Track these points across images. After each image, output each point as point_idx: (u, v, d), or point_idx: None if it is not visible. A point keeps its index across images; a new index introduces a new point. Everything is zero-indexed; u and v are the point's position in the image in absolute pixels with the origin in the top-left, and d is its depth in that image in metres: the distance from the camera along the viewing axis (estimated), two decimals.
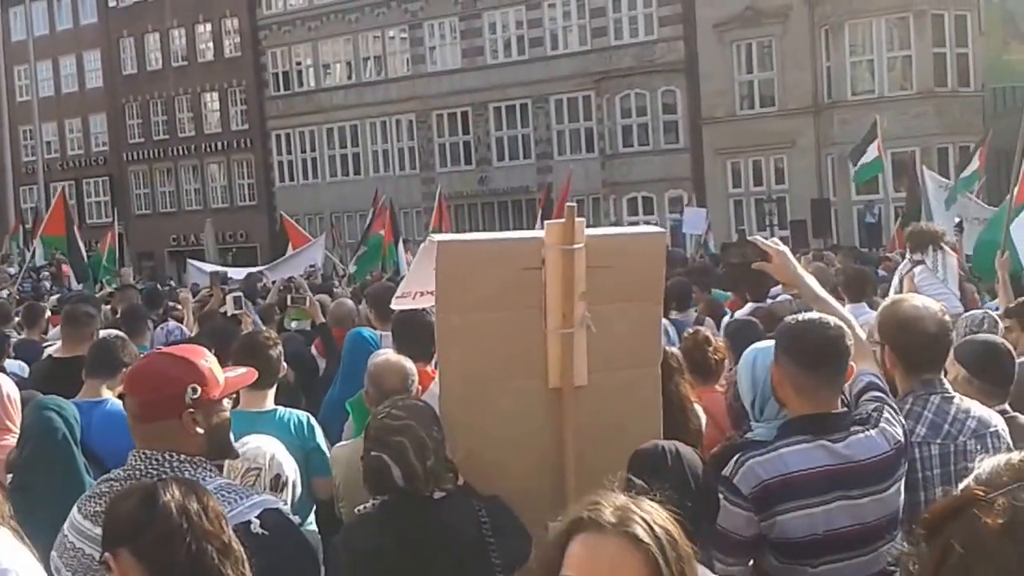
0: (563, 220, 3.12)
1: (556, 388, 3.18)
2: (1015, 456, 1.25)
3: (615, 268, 3.18)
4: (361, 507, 2.98)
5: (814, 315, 3.08)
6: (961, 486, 1.25)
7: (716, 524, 2.83)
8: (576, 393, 3.18)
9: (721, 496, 2.84)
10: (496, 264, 3.15)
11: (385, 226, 18.62)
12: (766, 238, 3.65)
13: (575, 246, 3.08)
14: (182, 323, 9.81)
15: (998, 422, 3.29)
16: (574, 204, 3.35)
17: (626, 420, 3.21)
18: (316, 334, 8.13)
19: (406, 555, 2.82)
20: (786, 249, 3.56)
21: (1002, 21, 28.49)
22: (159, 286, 18.97)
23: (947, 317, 3.38)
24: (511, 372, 3.18)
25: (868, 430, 2.87)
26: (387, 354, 4.50)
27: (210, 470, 2.61)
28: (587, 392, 3.19)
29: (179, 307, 10.91)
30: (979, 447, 3.15)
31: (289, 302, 9.23)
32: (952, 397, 3.27)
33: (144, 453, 2.57)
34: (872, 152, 17.57)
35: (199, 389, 2.61)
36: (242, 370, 2.99)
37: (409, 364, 4.13)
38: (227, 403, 2.74)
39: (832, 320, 3.00)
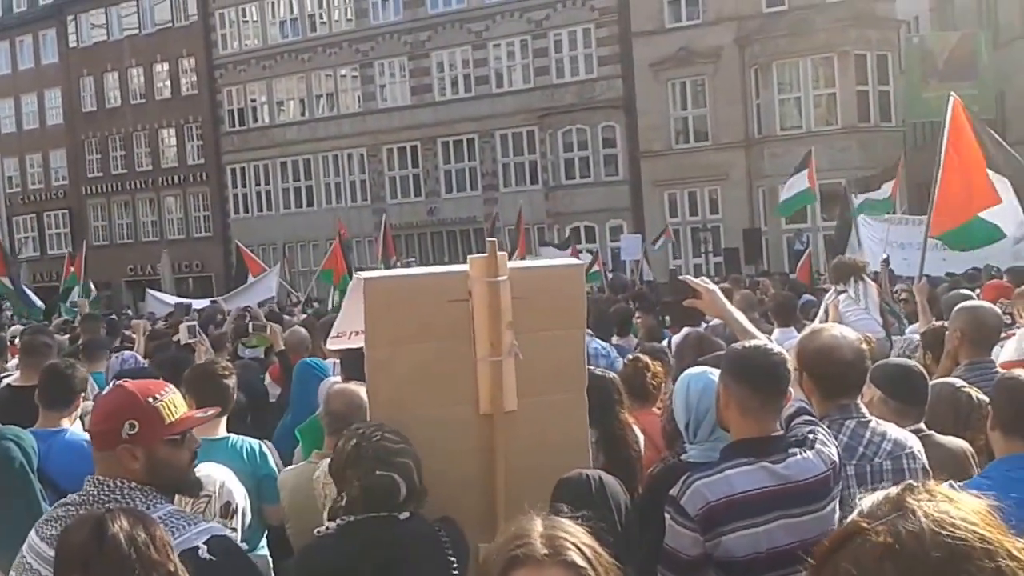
0: (487, 254, 3.21)
1: (487, 414, 3.24)
2: (893, 490, 1.35)
3: (538, 298, 3.27)
4: (321, 529, 2.99)
5: (760, 341, 3.23)
6: (848, 520, 1.35)
7: (663, 543, 2.92)
8: (506, 418, 3.24)
9: (668, 516, 2.91)
10: (422, 298, 3.20)
11: (337, 261, 18.68)
12: (700, 267, 4.16)
13: (499, 278, 3.17)
14: (134, 349, 9.76)
15: (914, 444, 3.37)
16: (495, 239, 3.47)
17: (554, 443, 3.29)
18: (270, 361, 8.34)
19: (369, 574, 2.83)
20: (715, 287, 3.76)
21: (921, 60, 29.82)
22: (116, 315, 19.51)
23: (864, 346, 3.48)
24: (441, 401, 3.21)
25: (805, 451, 2.95)
26: (340, 380, 4.61)
27: (159, 498, 2.64)
28: (516, 417, 3.25)
29: (133, 335, 10.85)
30: (894, 467, 3.27)
31: (251, 328, 9.61)
32: (868, 421, 3.36)
33: (98, 479, 2.64)
34: (802, 183, 17.82)
35: (137, 425, 2.63)
36: (210, 412, 3.10)
37: (364, 393, 4.00)
38: (194, 439, 2.78)
39: (775, 347, 3.16)
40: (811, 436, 3.01)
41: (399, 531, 2.88)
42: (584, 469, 3.03)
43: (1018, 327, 6.02)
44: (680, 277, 4.27)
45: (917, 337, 6.16)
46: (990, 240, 8.22)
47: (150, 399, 2.68)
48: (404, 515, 2.90)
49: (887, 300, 8.69)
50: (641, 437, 4.14)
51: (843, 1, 27.79)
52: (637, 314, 9.81)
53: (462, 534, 3.00)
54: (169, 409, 2.70)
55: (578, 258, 21.22)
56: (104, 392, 3.13)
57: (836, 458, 3.00)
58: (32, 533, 2.63)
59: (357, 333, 3.49)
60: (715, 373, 3.27)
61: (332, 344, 4.06)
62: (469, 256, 3.31)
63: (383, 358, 3.21)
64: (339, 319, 3.86)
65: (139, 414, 2.65)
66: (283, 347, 7.63)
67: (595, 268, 19.87)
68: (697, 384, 3.33)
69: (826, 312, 8.24)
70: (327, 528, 2.95)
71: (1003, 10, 29.53)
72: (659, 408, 4.74)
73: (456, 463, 3.20)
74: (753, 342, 3.19)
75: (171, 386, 2.84)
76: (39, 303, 18.37)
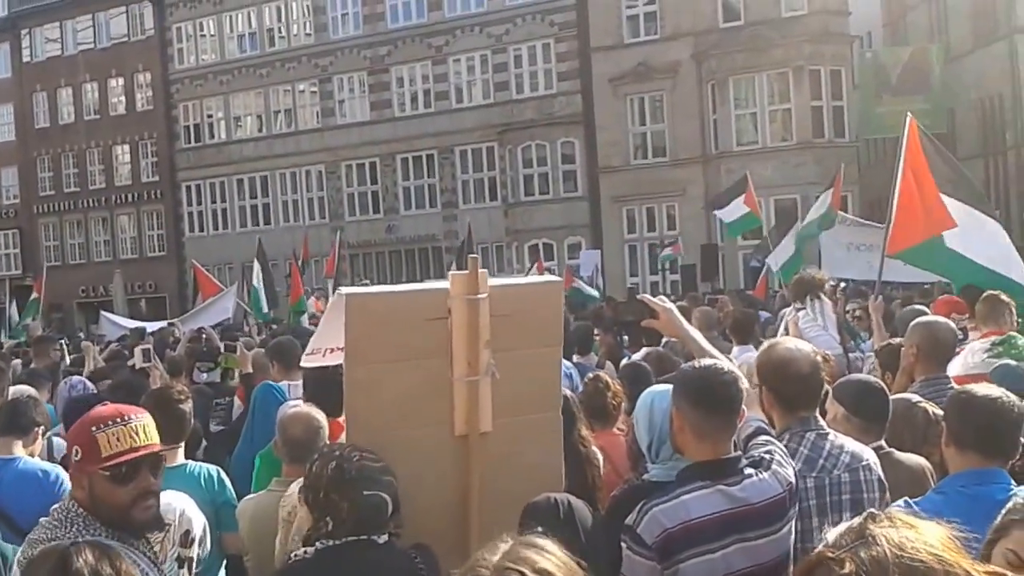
0: (467, 272, 3.20)
1: (462, 435, 3.23)
2: (855, 521, 1.42)
3: (517, 316, 3.26)
4: (298, 552, 2.97)
5: (710, 362, 3.19)
6: (815, 550, 1.44)
7: (620, 573, 2.89)
8: (481, 439, 3.23)
9: (624, 545, 2.87)
10: (403, 315, 3.20)
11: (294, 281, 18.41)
12: (658, 283, 4.11)
13: (479, 296, 3.17)
14: (83, 373, 9.53)
15: (870, 456, 3.43)
16: (477, 256, 3.42)
17: (530, 464, 3.30)
18: (226, 386, 8.30)
19: None
20: (672, 307, 3.74)
21: (874, 75, 30.18)
22: (68, 338, 19.18)
23: (820, 359, 3.54)
24: (417, 420, 3.20)
25: (761, 473, 2.96)
26: (298, 405, 4.54)
27: (100, 530, 2.67)
28: (492, 437, 3.24)
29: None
30: (852, 479, 3.32)
31: (223, 348, 9.32)
32: (827, 434, 3.41)
33: (61, 502, 2.78)
34: (739, 208, 17.68)
35: (79, 453, 2.68)
36: (142, 452, 2.87)
37: (319, 415, 4.14)
38: (146, 479, 2.73)
39: (727, 366, 3.13)
40: (767, 456, 3.01)
41: (377, 557, 2.86)
42: (552, 493, 3.02)
43: (968, 342, 6.13)
44: (638, 296, 4.21)
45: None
46: (952, 267, 8.18)
47: (95, 427, 2.66)
48: (383, 538, 2.89)
49: (842, 317, 8.73)
50: (602, 458, 4.13)
51: (797, 17, 28.10)
52: (596, 332, 9.81)
53: (437, 563, 2.97)
54: (110, 441, 2.65)
55: (548, 274, 21.27)
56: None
57: (792, 479, 3.00)
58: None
59: (333, 350, 3.49)
60: None
61: (306, 361, 4.02)
62: (450, 273, 3.34)
63: (363, 377, 3.18)
64: (315, 336, 3.84)
65: (82, 441, 2.66)
66: (251, 370, 7.55)
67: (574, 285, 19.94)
68: (662, 402, 3.28)
69: (786, 329, 8.24)
70: (304, 553, 2.92)
71: (954, 25, 30.00)
72: (621, 429, 4.71)
73: (431, 485, 3.20)
74: (704, 362, 3.18)
75: (139, 415, 2.80)
76: None
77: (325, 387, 4.61)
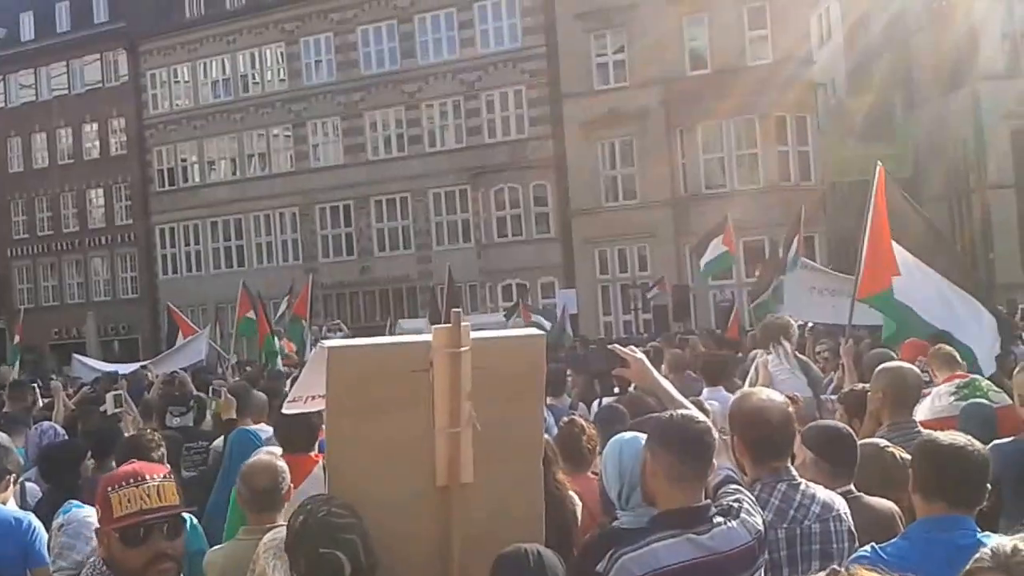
0: (450, 324, 3.20)
1: (443, 486, 3.23)
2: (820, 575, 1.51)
3: (499, 369, 3.26)
4: None
5: (685, 411, 3.24)
6: None
7: None
8: (462, 490, 3.23)
9: None
10: (386, 368, 3.20)
11: (260, 322, 18.18)
12: (630, 323, 4.18)
13: (462, 349, 3.16)
14: (53, 417, 9.52)
15: (840, 505, 3.45)
16: (460, 309, 3.41)
17: (511, 515, 3.29)
18: (199, 431, 8.22)
19: None
20: (643, 356, 3.76)
21: (839, 122, 30.91)
22: (41, 381, 19.00)
23: (791, 408, 3.59)
24: (399, 472, 3.20)
25: (730, 521, 2.98)
26: (260, 453, 4.51)
27: None
28: (473, 489, 3.24)
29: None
30: (822, 530, 3.34)
31: (210, 393, 9.41)
32: (798, 484, 3.42)
33: (100, 556, 2.81)
34: (717, 248, 17.93)
35: (99, 511, 2.76)
36: (160, 514, 2.89)
37: (280, 463, 4.11)
38: (157, 544, 2.72)
39: (699, 416, 3.19)
40: (736, 505, 3.05)
41: None
42: (523, 543, 2.99)
43: (934, 385, 6.16)
44: (609, 346, 4.28)
45: None
46: (902, 318, 8.31)
47: (110, 487, 2.70)
48: None
49: (804, 360, 8.81)
50: (579, 503, 4.12)
51: (763, 65, 28.76)
52: (569, 372, 9.81)
53: None
54: (121, 502, 2.67)
55: (531, 319, 21.42)
56: None
57: (761, 527, 3.04)
58: None
59: (314, 398, 3.50)
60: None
61: (288, 408, 3.98)
62: (434, 326, 3.32)
63: (345, 429, 3.20)
64: (297, 384, 3.85)
65: (99, 500, 2.71)
66: (234, 416, 7.36)
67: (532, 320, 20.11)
68: (631, 449, 3.31)
69: (756, 372, 8.32)
70: None
71: (917, 72, 30.83)
72: (595, 472, 4.61)
73: (413, 536, 3.20)
74: (680, 411, 3.23)
75: (156, 475, 2.80)
76: None
77: (293, 425, 4.74)
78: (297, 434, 4.77)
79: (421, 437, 3.21)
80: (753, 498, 3.17)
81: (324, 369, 3.14)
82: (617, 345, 3.90)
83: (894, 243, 8.00)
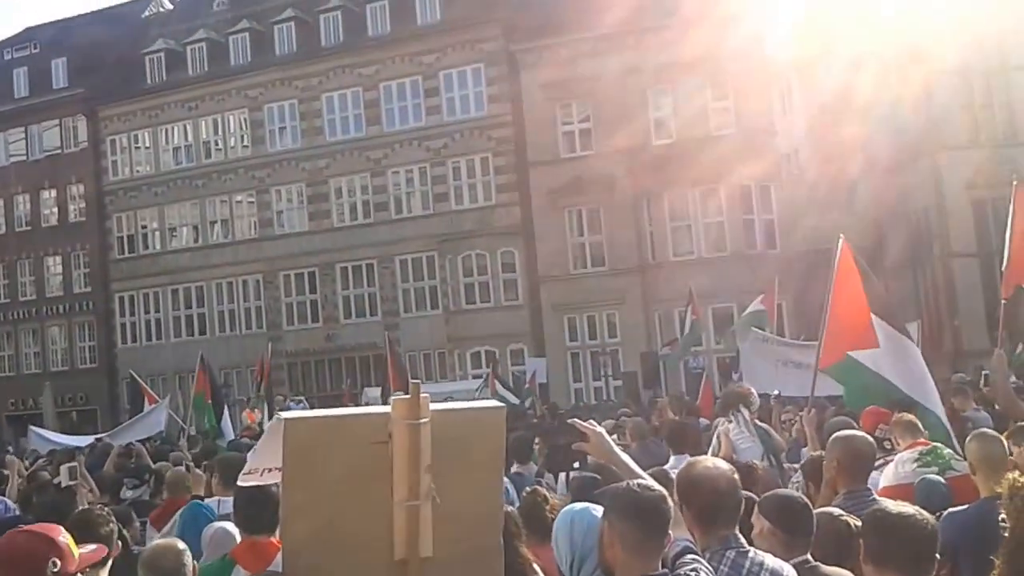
0: (409, 396, 3.19)
1: (402, 560, 3.19)
2: None
3: (458, 441, 3.25)
4: None
5: (641, 480, 3.30)
6: None
7: None
8: (422, 565, 3.19)
9: None
10: (343, 439, 3.17)
11: (204, 385, 17.85)
12: (600, 390, 4.24)
13: (421, 420, 3.15)
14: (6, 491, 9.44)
15: (789, 573, 3.48)
16: (419, 381, 3.48)
17: None
18: (155, 504, 8.05)
19: None
20: (602, 430, 3.82)
21: (801, 190, 31.32)
22: None
23: (735, 476, 3.62)
24: (357, 545, 3.16)
25: None
26: (212, 529, 4.60)
27: None
28: (432, 563, 3.20)
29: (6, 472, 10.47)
30: None
31: (187, 470, 9.15)
32: (747, 552, 3.45)
33: None
34: (688, 320, 18.45)
35: (59, 563, 2.79)
36: (92, 547, 3.14)
37: (181, 544, 4.12)
38: None
39: (656, 485, 3.24)
40: (692, 574, 3.08)
41: None
42: None
43: (896, 452, 6.24)
44: (568, 420, 4.31)
45: None
46: (869, 385, 8.35)
47: (60, 537, 2.83)
48: None
49: (764, 428, 8.95)
50: (541, 574, 4.12)
51: (725, 135, 29.19)
52: (536, 439, 9.83)
53: None
54: (71, 547, 2.84)
55: (497, 385, 21.26)
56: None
57: None
58: None
59: (271, 470, 3.43)
60: (599, 510, 3.29)
61: (243, 480, 3.91)
62: (392, 398, 3.28)
63: (302, 502, 3.14)
64: (253, 455, 3.77)
65: (58, 552, 2.79)
66: (202, 492, 7.28)
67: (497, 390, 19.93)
68: (582, 520, 3.37)
69: (718, 440, 8.54)
70: None
71: (878, 141, 31.36)
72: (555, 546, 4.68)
73: None
74: (636, 481, 3.26)
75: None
76: None
77: (256, 503, 4.65)
78: (260, 513, 4.62)
79: (379, 510, 3.15)
80: (710, 568, 3.17)
81: (279, 441, 3.10)
82: (577, 420, 3.91)
83: (874, 316, 8.07)
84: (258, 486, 4.63)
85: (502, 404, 3.81)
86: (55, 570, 2.76)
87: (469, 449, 3.27)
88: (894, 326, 8.22)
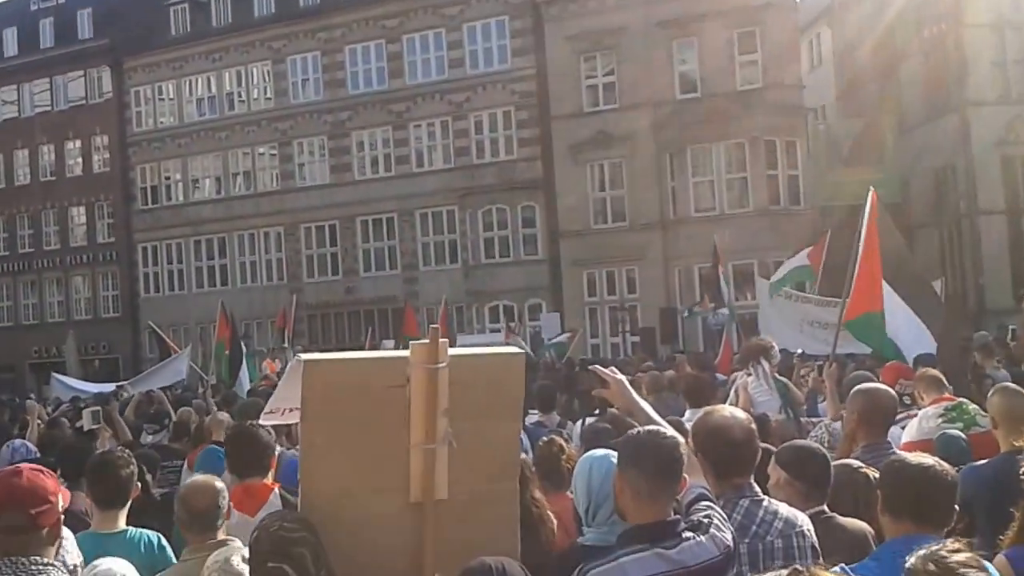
0: (427, 340, 3.21)
1: (417, 502, 3.23)
2: (782, 571, 1.61)
3: (476, 386, 3.27)
4: None
5: (652, 427, 3.29)
6: None
7: None
8: (437, 507, 3.23)
9: None
10: (361, 382, 3.21)
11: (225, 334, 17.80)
12: (618, 346, 4.19)
13: (439, 365, 3.18)
14: (27, 436, 9.56)
15: (804, 522, 3.47)
16: (437, 326, 3.48)
17: (485, 534, 3.26)
18: (174, 449, 8.20)
19: None
20: (622, 378, 3.79)
21: (827, 147, 31.00)
22: (18, 399, 18.59)
23: (753, 426, 3.59)
24: (373, 487, 3.20)
25: (699, 536, 3.00)
26: (199, 476, 4.46)
27: (61, 570, 2.85)
28: (447, 506, 3.24)
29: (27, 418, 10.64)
30: (785, 545, 3.36)
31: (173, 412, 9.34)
32: (761, 500, 3.46)
33: (8, 560, 2.77)
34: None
35: (60, 499, 2.93)
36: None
37: (219, 483, 4.07)
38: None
39: (668, 432, 3.20)
40: (706, 520, 3.05)
41: None
42: (488, 557, 2.96)
43: (918, 408, 6.19)
44: (589, 367, 4.31)
45: (837, 426, 6.21)
46: (880, 342, 8.42)
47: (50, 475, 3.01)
48: None
49: (783, 382, 8.94)
50: (555, 521, 4.16)
51: (753, 90, 28.80)
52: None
53: None
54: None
55: (513, 336, 21.28)
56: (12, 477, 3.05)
57: (730, 543, 3.05)
58: None
59: (291, 410, 3.46)
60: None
61: (265, 420, 4.01)
62: (412, 341, 3.30)
63: (319, 442, 3.19)
64: (274, 396, 3.85)
65: (57, 488, 2.95)
66: (221, 438, 7.26)
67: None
68: (600, 466, 3.35)
69: (736, 393, 8.61)
70: None
71: (907, 98, 30.95)
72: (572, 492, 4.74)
73: (385, 551, 3.19)
74: (648, 427, 3.26)
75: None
76: None
77: (246, 447, 4.73)
78: (248, 457, 4.68)
79: (396, 453, 3.20)
80: (724, 515, 3.17)
81: (299, 382, 3.15)
82: (598, 366, 3.89)
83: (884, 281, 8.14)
84: (246, 431, 4.88)
85: (521, 350, 3.96)
86: (62, 504, 2.88)
87: (487, 394, 3.31)
88: (896, 290, 8.25)
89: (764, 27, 28.87)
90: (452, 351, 3.25)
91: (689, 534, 2.99)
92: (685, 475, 3.12)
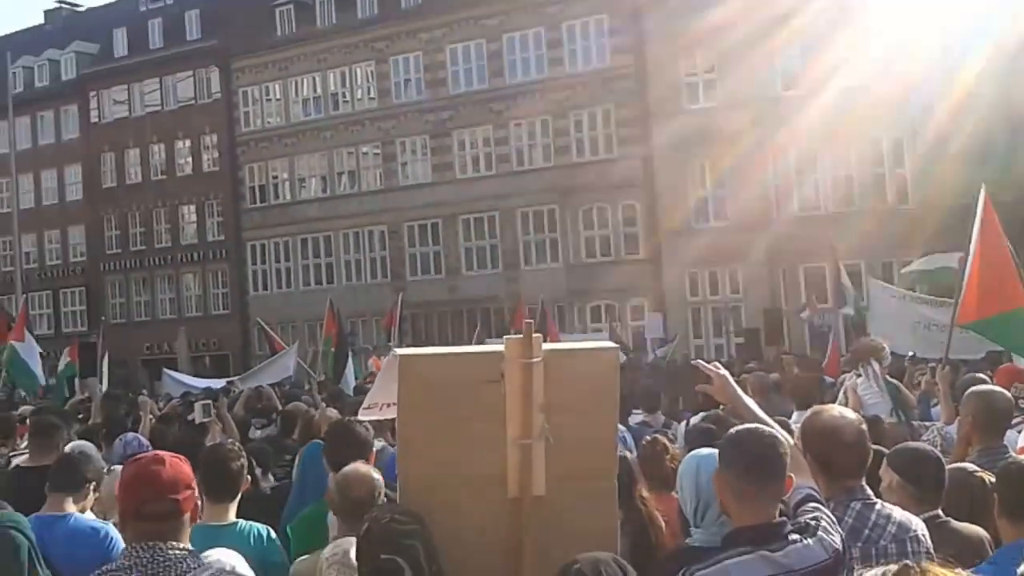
0: (522, 335, 3.21)
1: (515, 498, 3.20)
2: (892, 567, 1.56)
3: (572, 381, 3.25)
4: None
5: (751, 425, 3.19)
6: None
7: None
8: (534, 503, 3.20)
9: None
10: (456, 377, 3.22)
11: (332, 330, 18.10)
12: (722, 347, 4.14)
13: (534, 360, 3.17)
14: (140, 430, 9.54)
15: (918, 526, 3.37)
16: (531, 320, 3.49)
17: (583, 531, 3.22)
18: (286, 443, 8.20)
19: None
20: (726, 373, 3.67)
21: (936, 145, 30.16)
22: (131, 395, 19.13)
23: (864, 427, 3.50)
24: (470, 482, 3.19)
25: (806, 539, 2.90)
26: (355, 464, 4.53)
27: (198, 557, 2.93)
28: (545, 502, 3.21)
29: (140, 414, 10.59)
30: (899, 550, 3.23)
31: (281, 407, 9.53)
32: (874, 503, 3.37)
33: (146, 545, 2.86)
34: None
35: (195, 489, 3.03)
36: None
37: (377, 476, 4.06)
38: None
39: (767, 430, 3.10)
40: (813, 523, 2.96)
41: None
42: (599, 553, 2.90)
43: None
44: (692, 362, 4.27)
45: (950, 429, 6.10)
46: (1016, 335, 8.11)
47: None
48: None
49: (895, 384, 8.77)
50: (663, 521, 4.15)
51: (857, 87, 28.24)
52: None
53: None
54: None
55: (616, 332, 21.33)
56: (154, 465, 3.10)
57: (839, 545, 2.95)
58: None
59: (389, 405, 3.51)
60: None
61: (364, 415, 4.09)
62: (505, 337, 3.31)
63: (416, 436, 3.23)
64: (372, 391, 3.96)
65: (191, 479, 3.01)
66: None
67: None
68: (707, 466, 3.28)
69: (845, 395, 8.35)
70: None
71: (1020, 94, 29.95)
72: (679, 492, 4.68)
73: (482, 547, 3.18)
74: (747, 426, 3.18)
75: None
76: (40, 375, 17.58)
77: (345, 442, 4.73)
78: (346, 452, 4.60)
79: (493, 448, 3.19)
80: (833, 517, 3.06)
81: (396, 377, 3.18)
82: (700, 361, 3.81)
83: (1020, 270, 7.77)
84: (345, 426, 4.92)
85: (616, 344, 3.92)
86: (198, 496, 2.94)
87: (583, 388, 3.29)
88: None
89: (870, 23, 28.22)
90: (546, 346, 3.26)
91: (795, 536, 2.90)
92: (791, 475, 3.02)
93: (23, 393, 18.68)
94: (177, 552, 2.86)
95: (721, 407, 7.31)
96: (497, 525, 3.21)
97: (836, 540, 2.95)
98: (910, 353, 11.56)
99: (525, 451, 3.20)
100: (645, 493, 4.12)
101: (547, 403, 3.20)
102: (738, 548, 2.89)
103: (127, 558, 2.88)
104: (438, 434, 3.19)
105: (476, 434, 3.20)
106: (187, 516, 2.95)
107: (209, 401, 9.12)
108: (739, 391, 3.66)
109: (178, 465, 3.00)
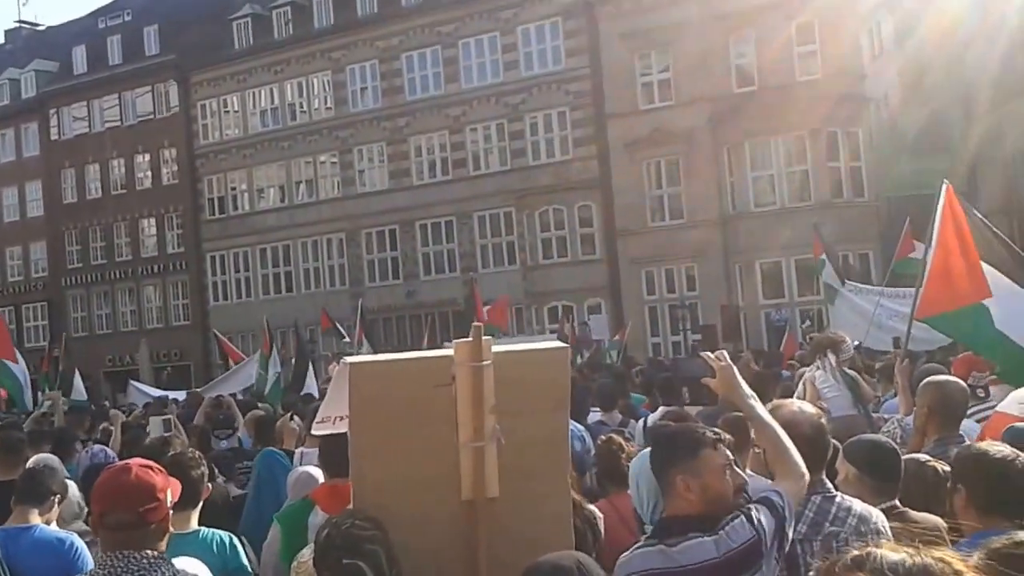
0: (471, 339, 3.21)
1: (469, 500, 3.23)
2: (858, 544, 1.61)
3: (522, 382, 3.26)
4: None
5: (688, 424, 3.38)
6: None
7: None
8: (488, 505, 3.23)
9: None
10: (408, 382, 3.23)
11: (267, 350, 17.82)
12: (679, 344, 4.05)
13: (483, 363, 3.18)
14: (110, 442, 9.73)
15: (878, 518, 3.40)
16: (480, 324, 3.41)
17: (538, 531, 3.24)
18: (246, 451, 8.44)
19: None
20: (731, 364, 3.61)
21: (891, 136, 30.23)
22: (93, 407, 18.97)
23: (823, 420, 3.57)
24: (423, 486, 3.22)
25: (704, 537, 2.95)
26: (296, 473, 4.73)
27: (171, 564, 2.97)
28: (499, 504, 3.24)
29: (111, 427, 10.72)
30: (860, 543, 3.41)
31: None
32: (834, 496, 3.41)
33: (120, 554, 2.88)
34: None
35: (170, 494, 3.09)
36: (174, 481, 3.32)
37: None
38: None
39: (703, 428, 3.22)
40: (728, 521, 2.99)
41: None
42: (562, 554, 2.90)
43: (992, 400, 6.09)
44: (701, 353, 4.22)
45: (909, 420, 6.08)
46: (976, 331, 7.99)
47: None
48: None
49: (852, 376, 8.72)
50: (600, 516, 4.16)
51: (812, 80, 28.26)
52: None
53: None
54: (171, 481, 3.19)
55: (575, 333, 21.16)
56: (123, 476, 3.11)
57: (739, 544, 2.94)
58: None
59: (342, 418, 3.49)
60: None
61: (317, 430, 4.02)
62: (454, 340, 3.30)
63: (368, 444, 3.22)
64: (324, 404, 3.87)
65: (165, 483, 3.07)
66: (293, 448, 7.46)
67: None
68: None
69: (803, 388, 8.43)
70: None
71: (972, 83, 30.05)
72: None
73: (438, 551, 3.19)
74: (683, 424, 3.34)
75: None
76: (29, 397, 17.66)
77: (338, 447, 4.65)
78: (337, 456, 4.54)
79: (445, 452, 3.21)
80: (762, 514, 3.04)
81: (347, 386, 3.19)
82: (708, 353, 3.73)
83: (984, 264, 7.53)
84: (338, 435, 4.72)
85: (565, 344, 3.93)
86: (171, 499, 2.98)
87: (533, 389, 3.29)
88: (1006, 274, 7.65)
89: (822, 17, 28.31)
90: (496, 348, 3.24)
91: (696, 534, 2.95)
92: (741, 473, 3.06)
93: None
94: (150, 560, 2.91)
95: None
96: (452, 528, 3.23)
97: (744, 535, 2.95)
98: (855, 343, 11.50)
99: (477, 454, 3.21)
100: (577, 497, 4.03)
101: (498, 405, 3.20)
102: (649, 539, 3.04)
103: (101, 567, 2.91)
104: (391, 439, 3.20)
105: (429, 438, 3.22)
106: (155, 526, 2.97)
107: (169, 416, 9.26)
108: (741, 383, 3.58)
109: (146, 475, 3.01)
